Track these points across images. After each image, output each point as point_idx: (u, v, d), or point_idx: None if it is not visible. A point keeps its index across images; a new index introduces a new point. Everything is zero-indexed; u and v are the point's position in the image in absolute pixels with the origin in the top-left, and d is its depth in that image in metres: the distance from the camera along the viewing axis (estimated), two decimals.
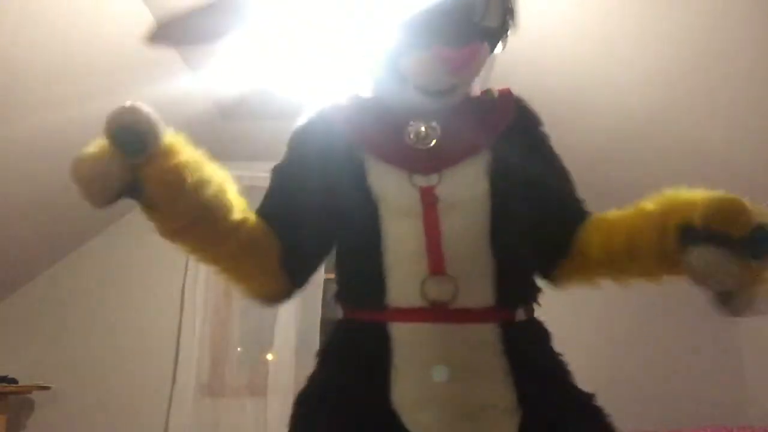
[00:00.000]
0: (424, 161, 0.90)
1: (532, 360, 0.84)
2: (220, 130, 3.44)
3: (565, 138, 3.25)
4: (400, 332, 0.84)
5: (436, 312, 0.82)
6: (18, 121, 2.37)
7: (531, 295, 0.93)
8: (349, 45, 2.63)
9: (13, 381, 3.03)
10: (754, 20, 1.77)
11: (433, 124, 0.90)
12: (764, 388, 3.11)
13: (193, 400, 3.26)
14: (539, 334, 0.92)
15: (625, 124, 2.59)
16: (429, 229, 0.84)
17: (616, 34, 2.17)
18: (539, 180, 0.95)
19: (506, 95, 1.00)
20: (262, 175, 4.42)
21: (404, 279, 0.85)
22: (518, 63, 2.73)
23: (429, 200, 0.86)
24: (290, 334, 3.32)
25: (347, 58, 2.66)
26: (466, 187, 0.88)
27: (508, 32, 0.95)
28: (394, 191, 0.88)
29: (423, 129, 0.89)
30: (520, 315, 0.89)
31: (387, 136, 0.92)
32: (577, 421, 0.82)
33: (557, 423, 0.80)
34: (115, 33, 2.30)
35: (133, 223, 3.62)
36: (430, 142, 0.89)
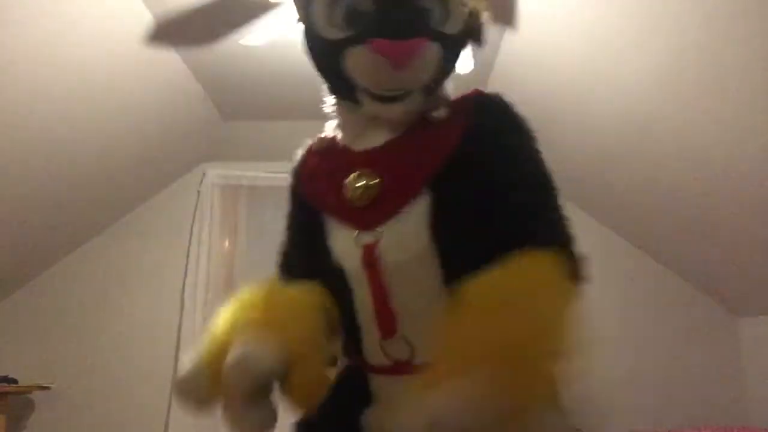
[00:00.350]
0: (366, 215, 0.82)
1: None
2: (220, 130, 3.45)
3: (565, 137, 3.26)
4: (376, 383, 0.88)
5: (399, 369, 0.84)
6: (18, 121, 2.37)
7: None
8: None
9: (13, 381, 3.03)
10: (755, 18, 1.77)
11: (367, 171, 0.83)
12: (764, 388, 3.11)
13: None
14: None
15: (625, 123, 2.59)
16: (375, 292, 0.81)
17: (617, 34, 2.17)
18: (490, 203, 0.80)
19: (460, 103, 0.87)
20: (262, 175, 4.41)
21: (369, 340, 0.86)
22: (518, 63, 2.73)
23: (370, 261, 0.81)
24: None
25: None
26: (407, 241, 0.80)
27: (474, 45, 0.87)
28: (344, 254, 0.84)
29: (360, 181, 0.82)
30: None
31: (337, 191, 0.85)
32: None
33: None
34: (115, 33, 2.30)
35: (133, 223, 3.63)
36: (368, 194, 0.82)
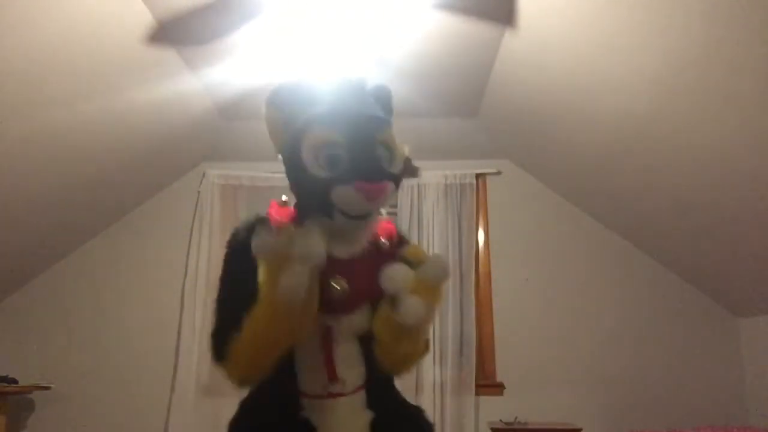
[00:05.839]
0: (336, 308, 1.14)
1: None
2: (220, 130, 3.45)
3: (565, 137, 3.24)
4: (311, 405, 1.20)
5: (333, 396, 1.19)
6: (18, 120, 2.37)
7: None
8: (348, 45, 2.63)
9: (13, 381, 3.04)
10: (756, 18, 1.77)
11: (339, 277, 1.13)
12: (764, 388, 3.11)
13: (193, 400, 3.26)
14: None
15: (625, 123, 2.59)
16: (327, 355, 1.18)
17: (617, 33, 2.17)
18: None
19: (396, 237, 1.25)
20: (262, 175, 4.40)
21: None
22: (518, 63, 2.73)
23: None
24: None
25: (347, 57, 2.67)
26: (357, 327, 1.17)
27: (406, 177, 1.23)
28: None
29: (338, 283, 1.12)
30: None
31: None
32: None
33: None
34: (116, 33, 2.30)
35: (133, 223, 3.63)
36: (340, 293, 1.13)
